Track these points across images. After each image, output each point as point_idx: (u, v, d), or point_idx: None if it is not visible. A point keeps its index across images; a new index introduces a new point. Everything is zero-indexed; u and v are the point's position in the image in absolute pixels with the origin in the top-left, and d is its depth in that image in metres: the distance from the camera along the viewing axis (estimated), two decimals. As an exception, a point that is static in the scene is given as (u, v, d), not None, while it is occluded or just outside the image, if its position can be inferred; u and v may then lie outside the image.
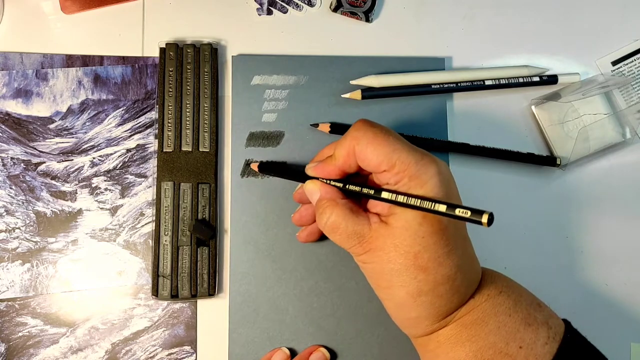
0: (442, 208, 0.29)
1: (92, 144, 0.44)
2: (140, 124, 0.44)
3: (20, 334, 0.42)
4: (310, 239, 0.41)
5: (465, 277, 0.32)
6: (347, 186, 0.34)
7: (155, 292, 0.42)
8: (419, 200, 0.30)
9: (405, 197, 0.31)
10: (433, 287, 0.31)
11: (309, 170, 0.36)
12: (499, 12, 0.47)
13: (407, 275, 0.31)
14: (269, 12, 0.46)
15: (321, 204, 0.34)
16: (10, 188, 0.43)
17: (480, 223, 0.28)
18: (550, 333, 0.32)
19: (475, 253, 0.34)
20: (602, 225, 0.45)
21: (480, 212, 0.28)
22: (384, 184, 0.33)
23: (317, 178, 0.36)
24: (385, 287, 0.33)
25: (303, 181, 0.36)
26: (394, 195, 0.31)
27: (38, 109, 0.44)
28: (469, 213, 0.28)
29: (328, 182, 0.35)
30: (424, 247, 0.31)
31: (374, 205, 0.34)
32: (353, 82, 0.44)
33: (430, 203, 0.30)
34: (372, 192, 0.32)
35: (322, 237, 0.41)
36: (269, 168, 0.42)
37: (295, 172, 0.39)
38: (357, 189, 0.33)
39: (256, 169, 0.42)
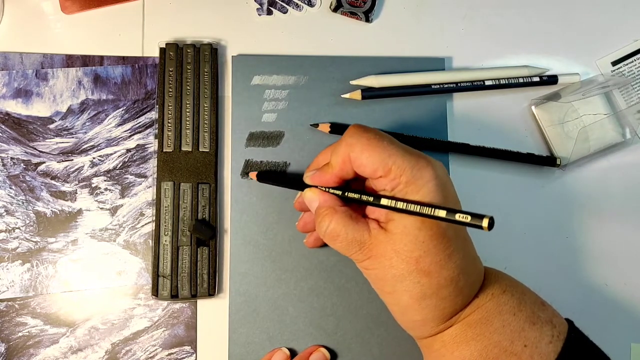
0: (442, 213, 0.29)
1: (92, 144, 0.44)
2: (140, 124, 0.44)
3: (20, 334, 0.42)
4: (318, 243, 0.41)
5: (468, 278, 0.32)
6: (346, 194, 0.34)
7: (155, 292, 0.42)
8: (419, 207, 0.30)
9: (405, 204, 0.30)
10: (436, 290, 0.31)
11: (307, 179, 0.36)
12: (499, 12, 0.47)
13: (410, 280, 0.31)
14: (269, 12, 0.46)
15: (320, 212, 0.34)
16: (10, 188, 0.43)
17: (480, 227, 0.28)
18: (554, 332, 0.32)
19: (476, 253, 0.34)
20: (602, 225, 0.45)
21: (480, 217, 0.28)
22: (381, 190, 0.33)
23: (316, 186, 0.35)
24: (389, 292, 0.33)
25: (302, 189, 0.36)
26: (393, 201, 0.31)
27: (38, 109, 0.44)
28: (469, 218, 0.28)
29: (327, 190, 0.35)
30: (425, 252, 0.31)
31: (372, 211, 0.34)
32: (353, 82, 0.44)
33: (430, 209, 0.30)
34: (371, 199, 0.32)
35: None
36: (267, 177, 0.42)
37: (293, 181, 0.39)
38: (357, 196, 0.33)
39: (254, 178, 0.42)
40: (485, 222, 0.28)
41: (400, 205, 0.31)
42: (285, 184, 0.41)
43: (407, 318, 0.34)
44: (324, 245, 0.42)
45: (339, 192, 0.34)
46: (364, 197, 0.33)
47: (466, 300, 0.33)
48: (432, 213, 0.29)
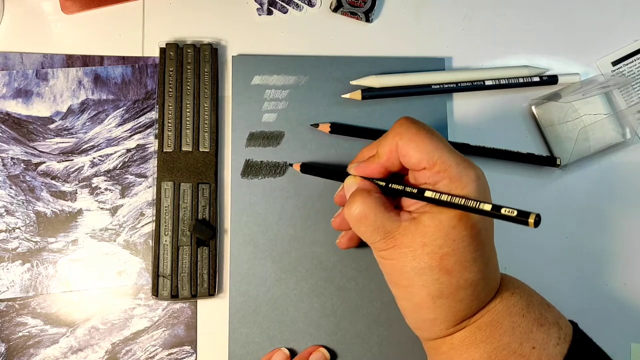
0: (487, 207, 0.29)
1: (92, 144, 0.44)
2: (140, 124, 0.44)
3: (20, 334, 0.42)
4: (352, 244, 0.41)
5: (486, 284, 0.32)
6: (390, 185, 0.34)
7: (156, 292, 0.42)
8: (464, 200, 0.30)
9: (449, 197, 0.31)
10: (454, 290, 0.31)
11: (352, 170, 0.36)
12: (499, 12, 0.47)
13: (430, 275, 0.31)
14: (269, 12, 0.46)
15: (354, 193, 0.34)
16: (11, 188, 0.43)
17: (526, 223, 0.27)
18: (560, 333, 0.32)
19: (497, 262, 0.34)
20: (602, 225, 0.45)
21: (527, 213, 0.28)
22: (422, 184, 0.33)
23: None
24: (404, 286, 0.33)
25: (344, 180, 0.36)
26: (437, 194, 0.31)
27: (38, 109, 0.44)
28: (516, 213, 0.28)
29: (372, 180, 0.35)
30: (453, 250, 0.31)
31: (408, 204, 0.34)
32: (353, 82, 0.44)
33: (475, 202, 0.30)
34: (415, 190, 0.32)
35: (362, 244, 0.40)
36: (310, 169, 0.42)
37: (337, 173, 0.39)
38: (400, 187, 0.33)
39: (298, 169, 0.42)
40: (532, 218, 0.27)
41: (444, 197, 0.31)
42: (329, 176, 0.40)
43: (419, 316, 0.33)
44: (358, 245, 0.41)
45: (383, 184, 0.34)
46: (408, 189, 0.33)
47: (481, 305, 0.33)
48: (477, 207, 0.29)
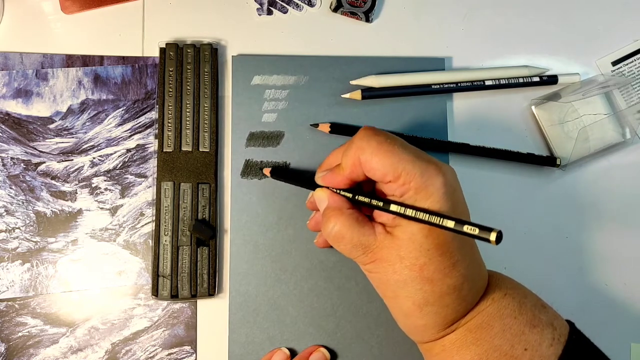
0: (450, 224, 0.29)
1: (92, 144, 0.44)
2: (140, 124, 0.44)
3: (20, 334, 0.42)
4: (328, 244, 0.41)
5: (472, 286, 0.32)
6: (356, 197, 0.34)
7: (155, 292, 0.42)
8: (428, 215, 0.30)
9: (413, 211, 0.30)
10: (439, 297, 0.31)
11: (319, 180, 0.36)
12: (499, 12, 0.47)
13: (413, 286, 0.31)
14: (269, 12, 0.46)
15: (326, 212, 0.34)
16: (10, 188, 0.43)
17: (488, 241, 0.27)
18: (555, 334, 0.32)
19: (482, 259, 0.34)
20: (601, 225, 0.45)
21: (488, 230, 0.27)
22: (390, 195, 0.32)
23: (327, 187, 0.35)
24: (391, 297, 0.33)
25: (314, 189, 0.36)
26: (402, 208, 0.31)
27: (38, 109, 0.44)
28: (477, 230, 0.28)
29: (338, 191, 0.35)
30: (430, 259, 0.31)
31: (379, 214, 0.34)
32: (353, 82, 0.44)
33: (439, 218, 0.29)
34: (381, 203, 0.32)
35: None
36: (280, 174, 0.42)
37: (306, 180, 0.39)
38: (367, 200, 0.33)
39: (268, 174, 0.42)
40: (493, 236, 0.27)
41: (409, 212, 0.30)
42: (297, 183, 0.40)
43: (409, 323, 0.34)
44: None
45: (350, 195, 0.34)
46: (374, 202, 0.32)
47: (469, 306, 0.33)
48: (440, 222, 0.29)
